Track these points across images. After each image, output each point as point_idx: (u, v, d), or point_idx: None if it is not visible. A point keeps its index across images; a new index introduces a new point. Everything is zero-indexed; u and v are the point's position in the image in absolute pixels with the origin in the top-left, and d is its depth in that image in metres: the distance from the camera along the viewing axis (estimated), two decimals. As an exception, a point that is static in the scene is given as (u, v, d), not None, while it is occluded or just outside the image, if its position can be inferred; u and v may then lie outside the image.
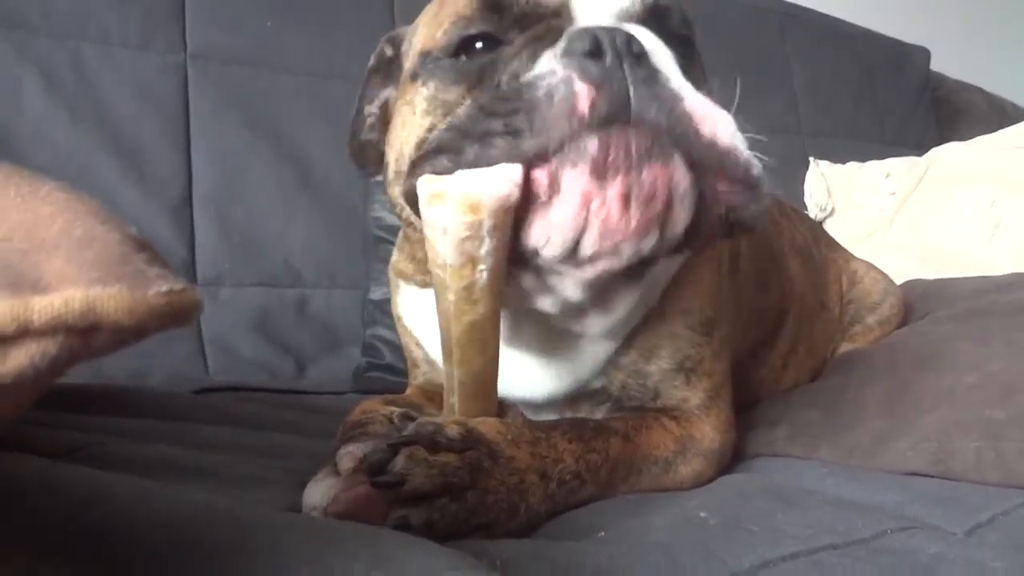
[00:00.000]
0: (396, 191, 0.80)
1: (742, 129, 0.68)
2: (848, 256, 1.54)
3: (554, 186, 0.62)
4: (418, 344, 0.99)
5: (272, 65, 1.72)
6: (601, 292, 0.76)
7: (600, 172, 0.61)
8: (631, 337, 0.87)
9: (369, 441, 0.70)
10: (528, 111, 0.62)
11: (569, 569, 0.54)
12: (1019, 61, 3.47)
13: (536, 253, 0.66)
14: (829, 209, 2.31)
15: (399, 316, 1.02)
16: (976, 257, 1.95)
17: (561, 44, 0.65)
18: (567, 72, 0.63)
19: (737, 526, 0.64)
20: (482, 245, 0.64)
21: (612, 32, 0.64)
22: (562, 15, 0.72)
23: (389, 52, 0.90)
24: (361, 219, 1.70)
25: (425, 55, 0.77)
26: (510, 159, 0.62)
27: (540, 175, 0.62)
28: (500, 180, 0.62)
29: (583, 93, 0.61)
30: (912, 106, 2.78)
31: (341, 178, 1.71)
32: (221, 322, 1.55)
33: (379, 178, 1.63)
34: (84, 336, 0.26)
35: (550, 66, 0.64)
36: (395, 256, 1.01)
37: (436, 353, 0.87)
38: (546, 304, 0.76)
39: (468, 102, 0.70)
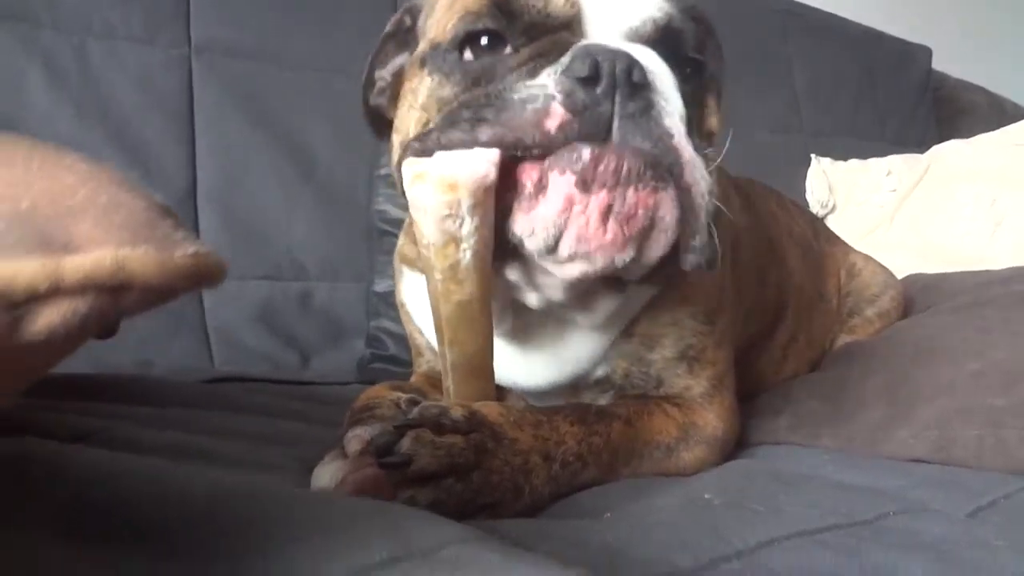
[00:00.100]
0: (399, 174, 0.81)
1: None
2: (847, 249, 1.55)
3: (542, 185, 0.65)
4: (421, 332, 1.00)
5: (276, 59, 1.72)
6: (582, 295, 0.79)
7: (587, 182, 0.64)
8: (633, 326, 0.88)
9: (376, 424, 0.72)
10: (499, 108, 0.66)
11: (576, 546, 0.55)
12: (1020, 60, 3.47)
13: (521, 243, 0.68)
14: (831, 206, 2.31)
15: (402, 303, 1.03)
16: (977, 254, 1.95)
17: (563, 62, 0.67)
18: (553, 92, 0.65)
19: (741, 506, 0.65)
20: (463, 224, 0.66)
21: (615, 56, 0.66)
22: (572, 28, 0.73)
23: (408, 22, 0.90)
24: (365, 212, 1.70)
25: (435, 46, 0.78)
26: (467, 142, 0.66)
27: (531, 172, 0.66)
28: (477, 160, 0.65)
29: (557, 114, 0.65)
30: (913, 105, 2.79)
31: (345, 171, 1.72)
32: (226, 314, 1.55)
33: (383, 171, 1.65)
34: (114, 295, 0.27)
35: (542, 81, 0.67)
36: (400, 241, 1.03)
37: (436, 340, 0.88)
38: (531, 299, 0.79)
39: (460, 100, 0.72)
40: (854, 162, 2.37)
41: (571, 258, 0.67)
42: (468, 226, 0.66)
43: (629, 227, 0.66)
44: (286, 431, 0.92)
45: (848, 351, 1.28)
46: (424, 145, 0.70)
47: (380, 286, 1.64)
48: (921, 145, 2.49)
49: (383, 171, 1.65)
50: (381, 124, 0.94)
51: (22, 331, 0.26)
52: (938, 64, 2.87)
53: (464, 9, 0.76)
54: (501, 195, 0.66)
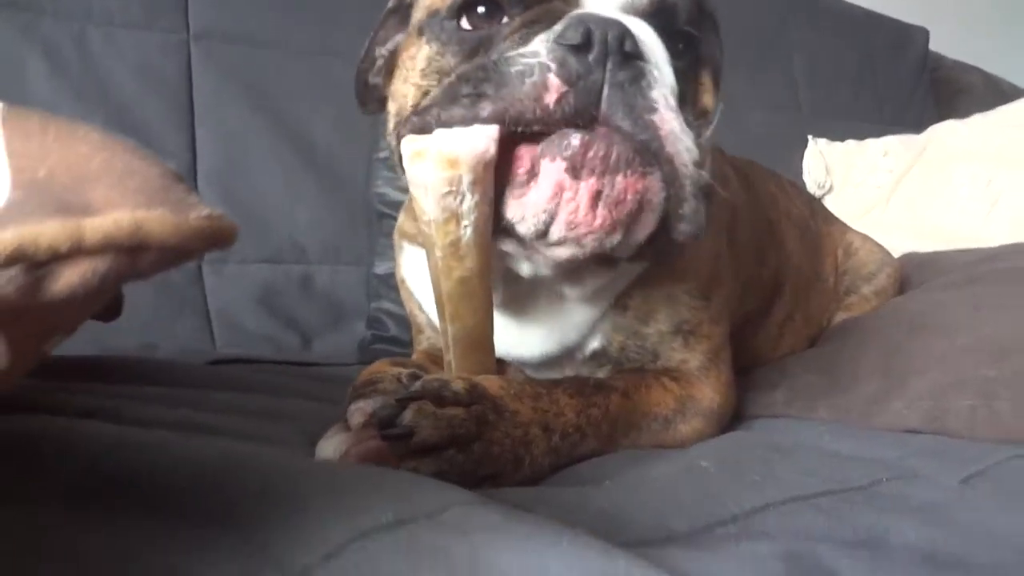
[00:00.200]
0: (395, 144, 0.82)
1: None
2: (844, 228, 1.56)
3: (533, 172, 0.67)
4: (421, 308, 1.01)
5: (275, 44, 1.72)
6: (573, 271, 0.81)
7: (576, 170, 0.65)
8: (627, 299, 0.89)
9: (378, 397, 0.72)
10: (498, 83, 0.67)
11: (574, 511, 0.56)
12: (1017, 41, 3.47)
13: (513, 227, 0.69)
14: (827, 187, 2.32)
15: (402, 279, 1.04)
16: (973, 234, 1.96)
17: (556, 29, 0.68)
18: (547, 61, 0.66)
19: (738, 473, 0.66)
20: (463, 201, 0.67)
21: (607, 25, 0.67)
22: None
23: None
24: (364, 195, 1.71)
25: (433, 14, 0.79)
26: (468, 119, 0.67)
27: (523, 160, 0.67)
28: (477, 136, 0.66)
29: (554, 86, 0.65)
30: (911, 86, 2.79)
31: (345, 155, 1.72)
32: (227, 298, 1.57)
33: (382, 154, 1.66)
34: (132, 255, 0.28)
35: (534, 48, 0.67)
36: (401, 217, 1.04)
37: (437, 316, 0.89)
38: (524, 269, 0.81)
39: (457, 72, 0.73)
40: (851, 143, 2.37)
41: (561, 242, 0.69)
42: (469, 202, 0.67)
43: (618, 211, 0.67)
44: (291, 408, 0.93)
45: (844, 327, 1.29)
46: (423, 120, 0.71)
47: (380, 268, 1.65)
48: (918, 126, 2.49)
49: (382, 154, 1.66)
50: (372, 100, 0.94)
51: (44, 290, 0.28)
52: (935, 45, 2.87)
53: None
54: (498, 173, 0.67)
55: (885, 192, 2.23)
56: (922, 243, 1.92)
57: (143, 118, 1.57)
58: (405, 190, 0.74)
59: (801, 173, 2.32)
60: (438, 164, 0.66)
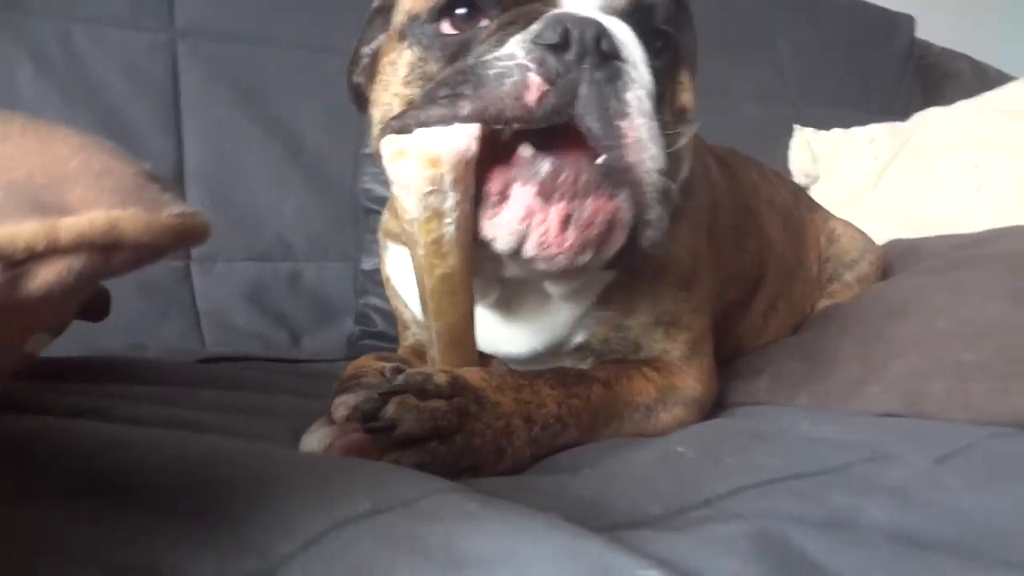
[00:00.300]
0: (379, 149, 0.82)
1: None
2: (827, 215, 1.57)
3: (505, 194, 0.68)
4: (406, 305, 1.02)
5: (262, 40, 1.72)
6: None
7: (547, 194, 0.67)
8: (609, 292, 0.90)
9: (361, 391, 0.73)
10: (476, 84, 0.68)
11: (552, 497, 0.57)
12: (1004, 28, 3.48)
13: (489, 243, 0.71)
14: (814, 176, 2.33)
15: (387, 277, 1.05)
16: (959, 220, 1.97)
17: (533, 29, 0.69)
18: (526, 62, 0.67)
19: (713, 459, 0.67)
20: (445, 199, 0.68)
21: (584, 24, 0.68)
22: None
23: None
24: (351, 191, 1.72)
25: (414, 18, 0.79)
26: (447, 117, 0.68)
27: (496, 182, 0.68)
28: (459, 135, 0.67)
29: (535, 85, 0.66)
30: (897, 73, 2.79)
31: (332, 152, 1.73)
32: (216, 296, 1.58)
33: (367, 150, 1.66)
34: (106, 253, 0.30)
35: (511, 50, 0.68)
36: (384, 216, 1.05)
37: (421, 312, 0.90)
38: (508, 272, 0.82)
39: (437, 79, 0.74)
40: (837, 131, 2.38)
41: (533, 260, 0.70)
42: (450, 200, 0.68)
43: (588, 232, 0.69)
44: (279, 405, 0.94)
45: (826, 314, 1.31)
46: (403, 123, 0.72)
47: (367, 264, 1.66)
48: (906, 113, 2.49)
49: (368, 150, 1.66)
50: (363, 101, 0.94)
51: (21, 288, 0.29)
52: (922, 33, 2.88)
53: None
54: (479, 177, 0.69)
55: (871, 180, 2.24)
56: (908, 230, 1.93)
57: (129, 116, 1.57)
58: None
59: (787, 162, 2.33)
60: (420, 163, 0.67)
